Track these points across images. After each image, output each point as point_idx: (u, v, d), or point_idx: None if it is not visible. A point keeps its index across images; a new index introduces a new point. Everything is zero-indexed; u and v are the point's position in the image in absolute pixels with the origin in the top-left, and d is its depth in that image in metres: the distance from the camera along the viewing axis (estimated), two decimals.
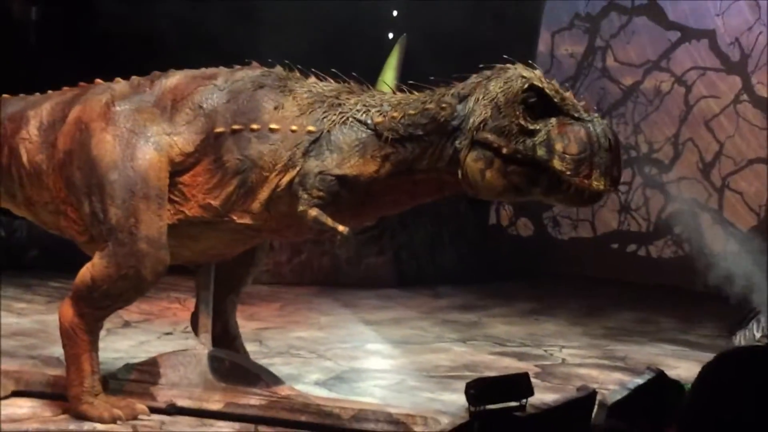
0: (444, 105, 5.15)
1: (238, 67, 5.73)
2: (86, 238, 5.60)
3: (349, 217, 5.30)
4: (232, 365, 5.99)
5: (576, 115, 4.93)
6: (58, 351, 6.02)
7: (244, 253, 6.12)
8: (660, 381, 4.30)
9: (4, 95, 6.14)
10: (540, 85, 4.97)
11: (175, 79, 5.72)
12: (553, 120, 4.90)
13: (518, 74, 5.05)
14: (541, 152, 4.87)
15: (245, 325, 8.27)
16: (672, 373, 4.99)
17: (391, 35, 14.47)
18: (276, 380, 6.02)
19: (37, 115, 5.84)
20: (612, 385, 6.85)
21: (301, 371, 7.37)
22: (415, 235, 13.23)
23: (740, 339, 8.69)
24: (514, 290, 12.49)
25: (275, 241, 12.28)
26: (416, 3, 13.65)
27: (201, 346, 6.04)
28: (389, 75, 9.87)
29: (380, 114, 5.30)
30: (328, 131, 5.31)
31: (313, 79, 5.62)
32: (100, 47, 12.96)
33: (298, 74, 5.65)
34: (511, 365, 7.93)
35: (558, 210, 15.35)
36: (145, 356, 6.58)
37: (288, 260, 12.57)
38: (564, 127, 4.87)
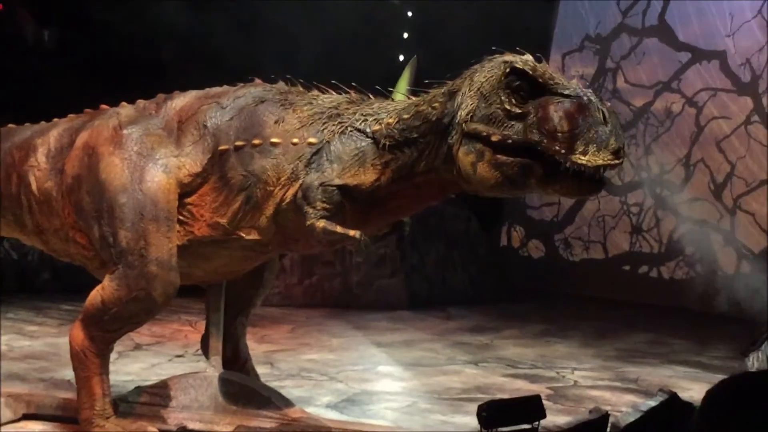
0: (435, 104, 5.08)
1: (241, 84, 5.72)
2: (97, 263, 5.59)
3: (356, 227, 5.26)
4: (242, 388, 5.97)
5: (566, 92, 4.68)
6: (69, 374, 6.01)
7: (253, 275, 6.11)
8: (673, 403, 4.28)
9: (10, 125, 6.16)
10: (521, 66, 4.76)
11: (180, 100, 5.72)
12: (542, 100, 4.69)
13: (501, 60, 4.88)
14: (532, 134, 4.65)
15: (256, 348, 8.28)
16: (685, 395, 4.97)
17: (401, 57, 14.52)
18: (287, 403, 6.00)
19: (44, 142, 5.85)
20: (624, 407, 6.81)
21: (312, 394, 7.35)
22: (426, 257, 13.22)
23: (753, 360, 8.63)
24: (525, 312, 12.47)
25: (288, 254, 12.35)
26: (426, 26, 13.69)
27: (212, 369, 6.03)
28: (400, 97, 9.88)
29: (377, 122, 5.26)
30: (328, 142, 5.28)
31: (315, 92, 5.60)
32: (112, 70, 13.01)
33: (300, 88, 5.63)
34: (523, 387, 7.90)
35: (570, 231, 15.36)
36: (156, 379, 6.58)
37: (299, 282, 12.58)
38: (554, 105, 4.64)
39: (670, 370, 8.93)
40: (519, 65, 4.77)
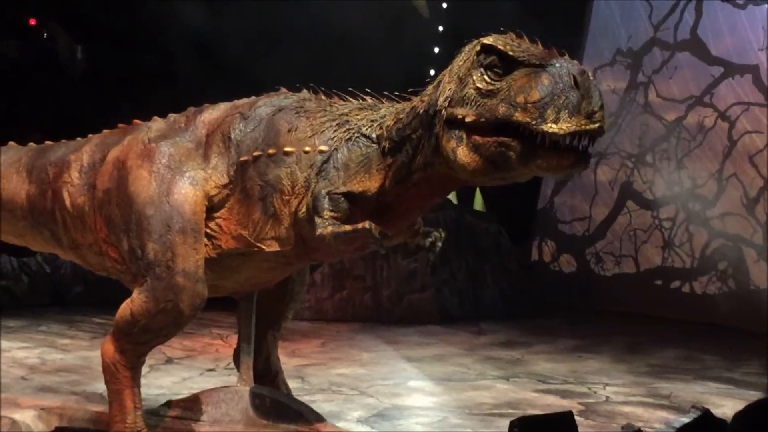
0: (425, 97, 5.03)
1: (266, 94, 5.72)
2: (131, 276, 5.62)
3: None
4: (273, 402, 5.98)
5: (536, 62, 4.53)
6: (101, 387, 6.04)
7: (283, 289, 6.11)
8: (706, 420, 4.25)
9: (47, 142, 6.22)
10: (491, 42, 4.63)
11: (208, 113, 5.75)
12: (515, 74, 4.55)
13: (475, 42, 4.77)
14: (503, 108, 4.50)
15: (287, 362, 8.28)
16: (717, 412, 4.93)
17: (432, 72, 14.53)
18: (318, 417, 6.00)
19: (77, 158, 5.91)
20: (657, 423, 6.78)
21: (342, 408, 7.35)
22: (456, 272, 13.21)
23: None
24: (556, 327, 12.43)
25: (319, 269, 12.37)
26: (456, 41, 13.69)
27: (243, 383, 6.04)
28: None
29: (380, 126, 5.24)
30: (336, 149, 5.26)
31: (334, 99, 5.57)
32: (146, 85, 13.11)
33: (321, 96, 5.61)
34: (554, 403, 7.87)
35: (601, 246, 15.30)
36: (187, 392, 6.60)
37: (330, 296, 12.60)
38: (525, 77, 4.50)
39: (703, 386, 8.87)
40: (488, 41, 4.66)
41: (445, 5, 16.41)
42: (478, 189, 15.23)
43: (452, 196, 15.32)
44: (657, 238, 14.53)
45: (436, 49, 15.52)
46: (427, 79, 5.10)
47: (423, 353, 10.12)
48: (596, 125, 4.40)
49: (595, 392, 8.38)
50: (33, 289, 12.83)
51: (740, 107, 13.50)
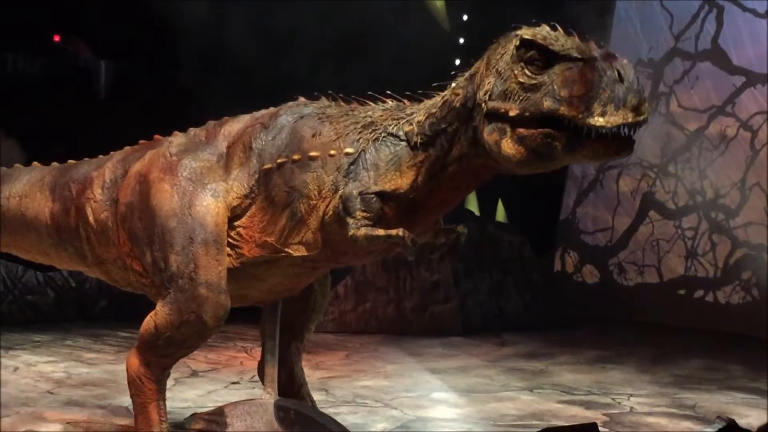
0: (458, 91, 5.06)
1: (285, 104, 5.76)
2: (155, 289, 5.66)
3: None
4: (298, 414, 5.99)
5: (579, 56, 4.60)
6: (126, 401, 6.08)
7: (306, 300, 6.14)
8: (731, 430, 4.25)
9: (70, 160, 6.28)
10: (530, 37, 4.70)
11: (228, 126, 5.80)
12: (557, 68, 4.62)
13: (513, 35, 4.83)
14: (548, 103, 4.58)
15: (311, 374, 8.30)
16: (743, 422, 4.94)
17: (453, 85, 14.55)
18: (342, 430, 6.01)
19: (100, 175, 5.96)
20: None
21: (367, 420, 7.37)
22: (480, 283, 13.21)
23: None
24: (580, 337, 12.41)
25: (342, 282, 12.40)
26: (476, 51, 13.72)
27: (267, 396, 6.07)
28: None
29: (408, 123, 5.26)
30: (364, 150, 5.28)
31: (354, 105, 5.61)
32: (170, 100, 13.18)
33: (340, 102, 5.65)
34: (578, 414, 7.86)
35: (624, 256, 15.27)
36: (212, 405, 6.63)
37: (353, 309, 12.62)
38: (568, 71, 4.57)
39: (728, 396, 8.85)
40: (527, 36, 4.72)
41: (465, 17, 16.44)
42: (500, 201, 15.23)
43: (474, 208, 15.36)
44: (680, 247, 14.50)
45: (457, 61, 15.53)
46: (452, 72, 5.14)
47: (446, 365, 10.12)
48: (642, 117, 4.49)
49: (619, 403, 8.36)
50: (59, 303, 12.91)
51: (762, 116, 13.47)
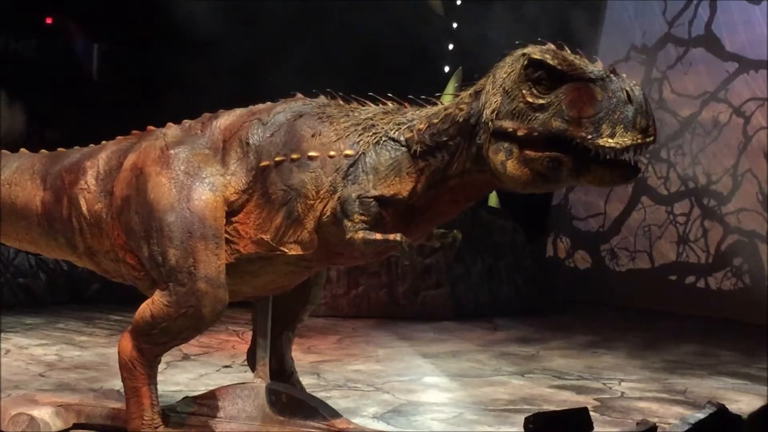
0: (462, 106, 5.07)
1: (282, 100, 5.74)
2: (148, 283, 5.63)
3: None
4: (290, 398, 6.00)
5: (587, 76, 4.62)
6: (118, 384, 6.08)
7: (300, 291, 6.12)
8: (721, 415, 4.26)
9: (60, 149, 6.24)
10: (539, 57, 4.70)
11: (224, 119, 5.75)
12: (564, 88, 4.64)
13: (520, 53, 4.85)
14: (556, 123, 4.60)
15: (303, 358, 8.32)
16: (733, 408, 4.94)
17: (447, 69, 14.56)
18: (333, 413, 6.03)
19: (93, 165, 5.91)
20: (672, 419, 6.78)
21: (358, 404, 7.38)
22: (472, 268, 13.22)
23: None
24: (571, 323, 12.44)
25: (332, 269, 12.40)
26: (471, 38, 13.71)
27: (259, 380, 6.07)
28: None
29: (409, 129, 5.26)
30: (364, 153, 5.28)
31: (353, 104, 5.60)
32: (161, 86, 13.14)
33: (339, 101, 5.64)
34: (569, 399, 7.89)
35: (616, 242, 15.29)
36: (204, 389, 6.63)
37: (345, 293, 12.62)
38: (576, 91, 4.59)
39: (718, 381, 8.88)
40: (536, 56, 4.73)
41: (459, 2, 16.40)
42: None
43: None
44: (672, 233, 14.52)
45: (450, 46, 15.52)
46: (458, 84, 5.15)
47: (438, 349, 10.14)
48: (650, 138, 4.51)
49: (610, 388, 8.39)
50: (51, 286, 12.90)
51: (755, 103, 13.47)
